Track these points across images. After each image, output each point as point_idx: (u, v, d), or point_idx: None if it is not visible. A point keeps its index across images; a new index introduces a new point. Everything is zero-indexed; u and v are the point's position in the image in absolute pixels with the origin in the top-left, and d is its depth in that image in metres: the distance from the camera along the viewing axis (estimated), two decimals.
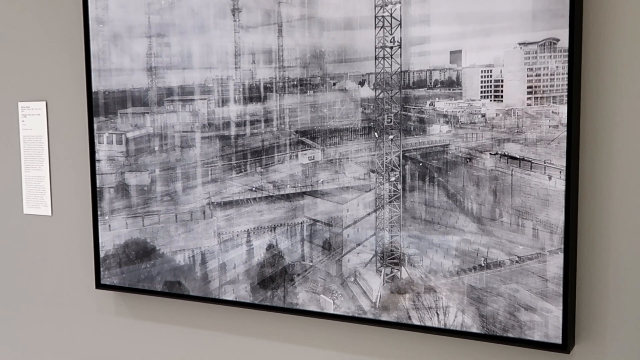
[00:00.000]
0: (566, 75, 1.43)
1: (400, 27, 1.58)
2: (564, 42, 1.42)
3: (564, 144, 1.44)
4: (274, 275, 1.80)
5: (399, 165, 1.62)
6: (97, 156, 2.03)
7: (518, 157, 1.49)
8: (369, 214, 1.67)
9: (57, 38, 2.13)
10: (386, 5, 1.59)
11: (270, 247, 1.80)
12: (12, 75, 2.24)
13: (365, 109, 1.65)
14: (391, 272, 1.66)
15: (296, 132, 1.74)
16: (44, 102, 2.18)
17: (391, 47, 1.60)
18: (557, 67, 1.44)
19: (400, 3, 1.57)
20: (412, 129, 1.60)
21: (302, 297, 1.77)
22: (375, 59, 1.62)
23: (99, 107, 2.01)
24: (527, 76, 1.47)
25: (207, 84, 1.84)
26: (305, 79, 1.71)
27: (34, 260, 2.27)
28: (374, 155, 1.65)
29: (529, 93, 1.47)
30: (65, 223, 2.20)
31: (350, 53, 1.65)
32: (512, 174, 1.50)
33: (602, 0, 1.42)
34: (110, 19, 1.96)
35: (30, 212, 2.26)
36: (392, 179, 1.63)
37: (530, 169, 1.48)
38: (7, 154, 2.28)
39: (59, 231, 2.21)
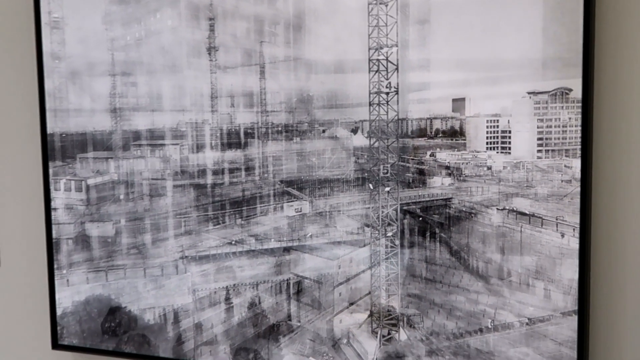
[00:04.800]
0: (579, 127, 1.34)
1: (397, 71, 1.47)
2: (577, 92, 1.34)
3: (577, 200, 1.36)
4: (256, 336, 1.65)
5: (396, 220, 1.51)
6: (52, 204, 1.84)
7: (528, 212, 1.40)
8: (363, 271, 1.55)
9: (7, 74, 1.93)
10: (381, 48, 1.47)
11: (252, 305, 1.66)
12: None
13: (358, 158, 1.53)
14: (388, 333, 1.54)
15: (281, 181, 1.60)
16: None
17: (387, 93, 1.48)
18: (569, 118, 1.35)
19: (397, 46, 1.46)
20: (410, 181, 1.49)
21: None
22: (370, 105, 1.50)
23: (54, 150, 1.82)
24: (537, 127, 1.38)
25: (179, 128, 1.68)
26: (291, 125, 1.58)
27: None
28: (369, 208, 1.53)
29: (539, 145, 1.38)
30: (16, 276, 1.99)
31: (341, 98, 1.52)
32: (521, 230, 1.41)
33: (616, 50, 1.34)
34: (68, 54, 1.78)
35: None
36: (389, 234, 1.51)
37: (541, 225, 1.39)
38: None
39: (10, 285, 2.00)
